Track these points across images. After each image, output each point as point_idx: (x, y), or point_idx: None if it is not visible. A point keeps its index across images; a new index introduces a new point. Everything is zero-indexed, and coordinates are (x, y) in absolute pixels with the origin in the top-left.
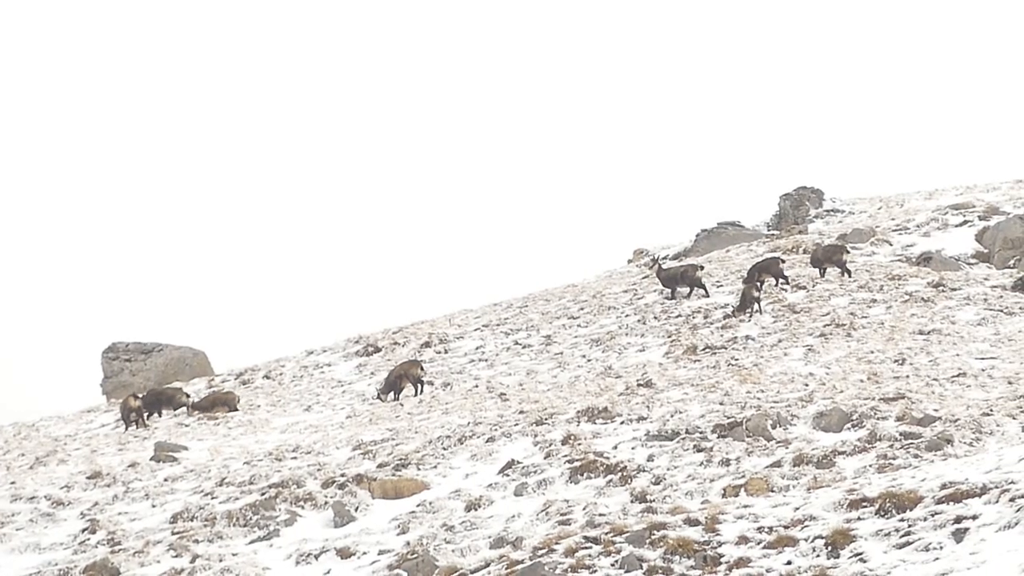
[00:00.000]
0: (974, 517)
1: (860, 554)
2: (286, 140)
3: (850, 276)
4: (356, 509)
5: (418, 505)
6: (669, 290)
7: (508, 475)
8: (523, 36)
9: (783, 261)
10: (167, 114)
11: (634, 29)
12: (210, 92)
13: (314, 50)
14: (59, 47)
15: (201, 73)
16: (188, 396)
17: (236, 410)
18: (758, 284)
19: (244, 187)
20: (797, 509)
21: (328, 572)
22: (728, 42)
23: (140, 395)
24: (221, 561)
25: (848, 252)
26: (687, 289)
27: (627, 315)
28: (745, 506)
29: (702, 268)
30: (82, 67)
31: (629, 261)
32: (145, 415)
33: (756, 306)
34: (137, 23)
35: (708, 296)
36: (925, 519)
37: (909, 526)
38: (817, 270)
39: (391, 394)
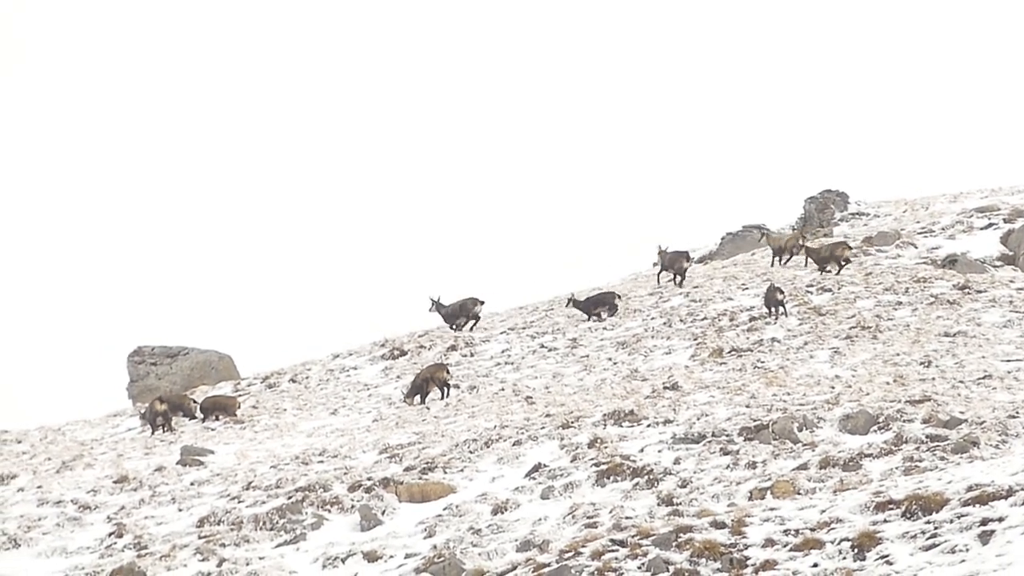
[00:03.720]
0: (1000, 519)
1: (886, 556)
2: (314, 141)
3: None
4: (383, 513)
5: (445, 509)
6: (587, 315)
7: (535, 478)
8: (550, 35)
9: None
10: (193, 115)
11: (665, 31)
12: (232, 92)
13: (336, 51)
14: (118, 55)
15: (223, 77)
16: (195, 402)
17: (235, 415)
18: (781, 289)
19: (271, 189)
20: (823, 512)
21: (355, 575)
22: (754, 44)
23: (166, 398)
24: (248, 565)
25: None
26: (606, 312)
27: (653, 318)
28: (771, 509)
29: (620, 297)
30: (105, 69)
31: (655, 264)
32: (171, 419)
33: (781, 308)
34: (142, 27)
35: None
36: (951, 521)
37: (935, 528)
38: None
39: (417, 397)
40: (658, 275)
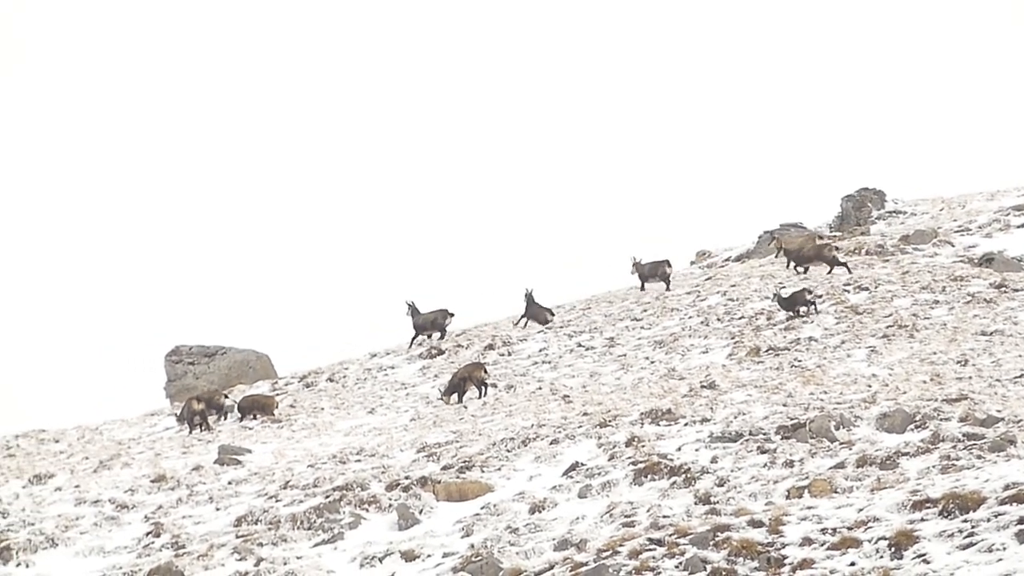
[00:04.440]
0: None
1: (923, 555)
2: (328, 142)
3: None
4: (420, 512)
5: (482, 507)
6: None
7: (572, 477)
8: (553, 34)
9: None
10: (220, 112)
11: (708, 30)
12: (249, 88)
13: (344, 54)
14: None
15: (232, 76)
16: (226, 397)
17: (272, 414)
18: (810, 289)
19: (308, 190)
20: (861, 510)
21: (392, 575)
22: (791, 42)
23: (203, 398)
24: (285, 564)
25: (670, 266)
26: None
27: (690, 317)
28: (809, 507)
29: (552, 313)
30: (105, 69)
31: (692, 263)
32: (208, 418)
33: (812, 307)
34: (142, 27)
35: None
36: (988, 520)
37: (972, 527)
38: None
39: (455, 396)
40: (641, 287)
